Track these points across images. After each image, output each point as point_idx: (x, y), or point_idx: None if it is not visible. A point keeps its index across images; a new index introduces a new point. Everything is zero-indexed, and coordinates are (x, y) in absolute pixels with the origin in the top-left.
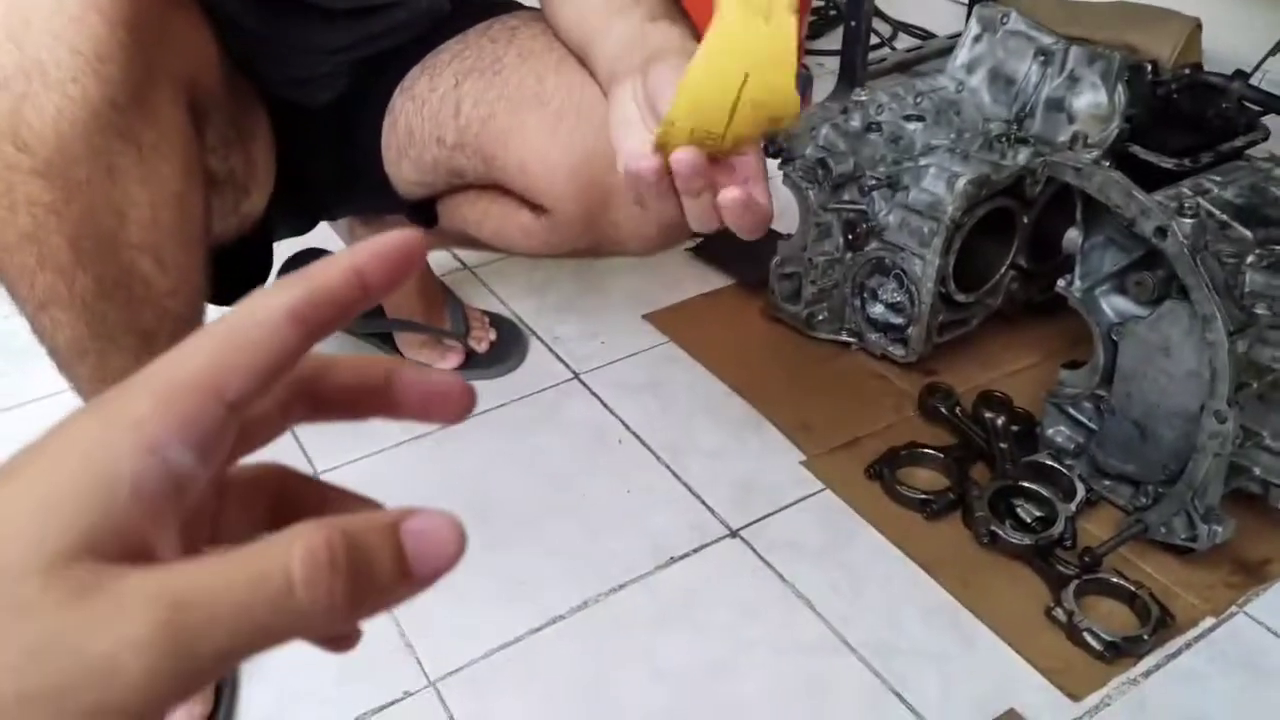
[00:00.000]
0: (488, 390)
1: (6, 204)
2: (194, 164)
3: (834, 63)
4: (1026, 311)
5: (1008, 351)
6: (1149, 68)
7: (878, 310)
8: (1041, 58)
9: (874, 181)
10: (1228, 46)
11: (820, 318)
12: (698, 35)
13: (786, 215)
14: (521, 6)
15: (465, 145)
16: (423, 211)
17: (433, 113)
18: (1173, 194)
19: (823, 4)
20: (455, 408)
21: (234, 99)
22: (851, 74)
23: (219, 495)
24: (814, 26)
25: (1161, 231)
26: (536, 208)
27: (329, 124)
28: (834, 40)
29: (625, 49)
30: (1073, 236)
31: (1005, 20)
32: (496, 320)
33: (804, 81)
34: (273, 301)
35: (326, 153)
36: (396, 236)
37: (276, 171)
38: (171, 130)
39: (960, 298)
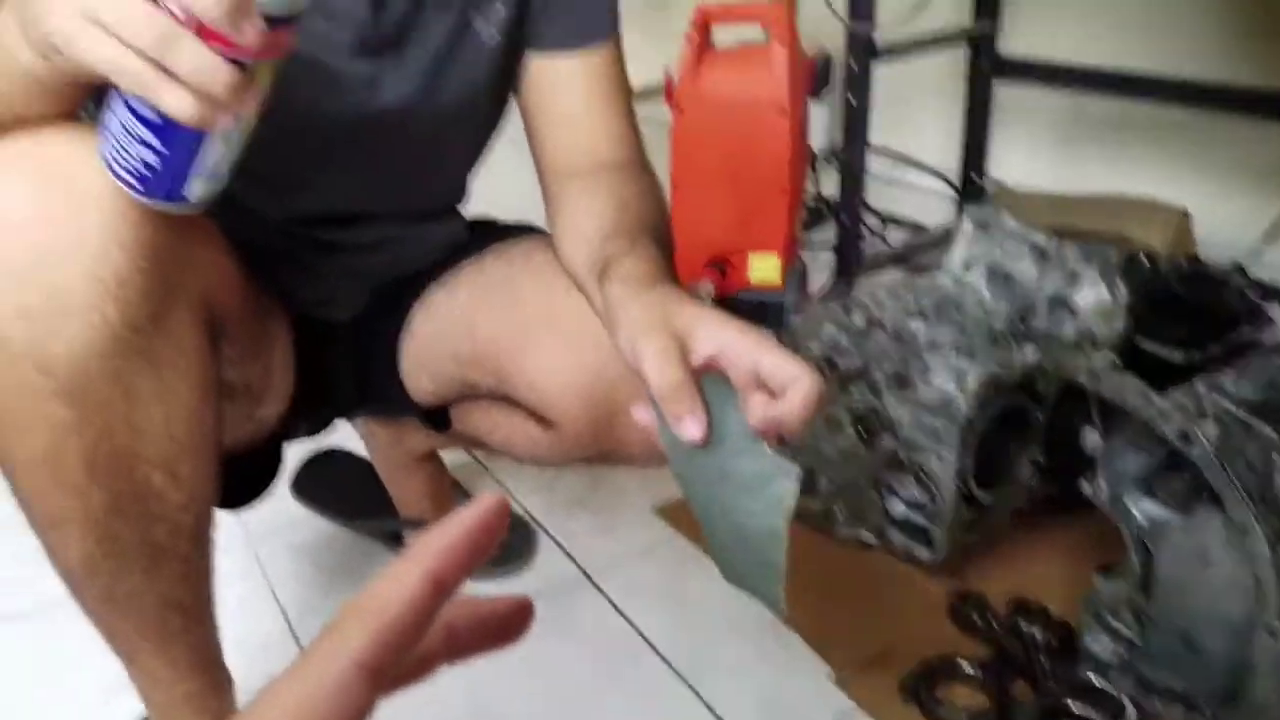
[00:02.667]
0: (493, 592)
1: (26, 424)
2: (209, 379)
3: (830, 253)
4: (1049, 509)
5: (1035, 552)
6: (1145, 259)
7: (899, 509)
8: (1038, 255)
9: (880, 377)
10: (1218, 235)
11: (840, 517)
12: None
13: None
14: (537, 230)
15: (479, 361)
16: (436, 416)
17: (449, 330)
18: (1190, 394)
19: (814, 198)
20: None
21: (253, 314)
22: (848, 267)
23: None
24: (807, 220)
25: (1186, 437)
26: (544, 421)
27: (349, 337)
28: (829, 230)
29: (607, 303)
30: (1093, 439)
31: (998, 219)
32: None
33: (799, 274)
34: (341, 656)
35: (345, 363)
36: (489, 505)
37: (296, 378)
38: (188, 348)
39: (981, 496)
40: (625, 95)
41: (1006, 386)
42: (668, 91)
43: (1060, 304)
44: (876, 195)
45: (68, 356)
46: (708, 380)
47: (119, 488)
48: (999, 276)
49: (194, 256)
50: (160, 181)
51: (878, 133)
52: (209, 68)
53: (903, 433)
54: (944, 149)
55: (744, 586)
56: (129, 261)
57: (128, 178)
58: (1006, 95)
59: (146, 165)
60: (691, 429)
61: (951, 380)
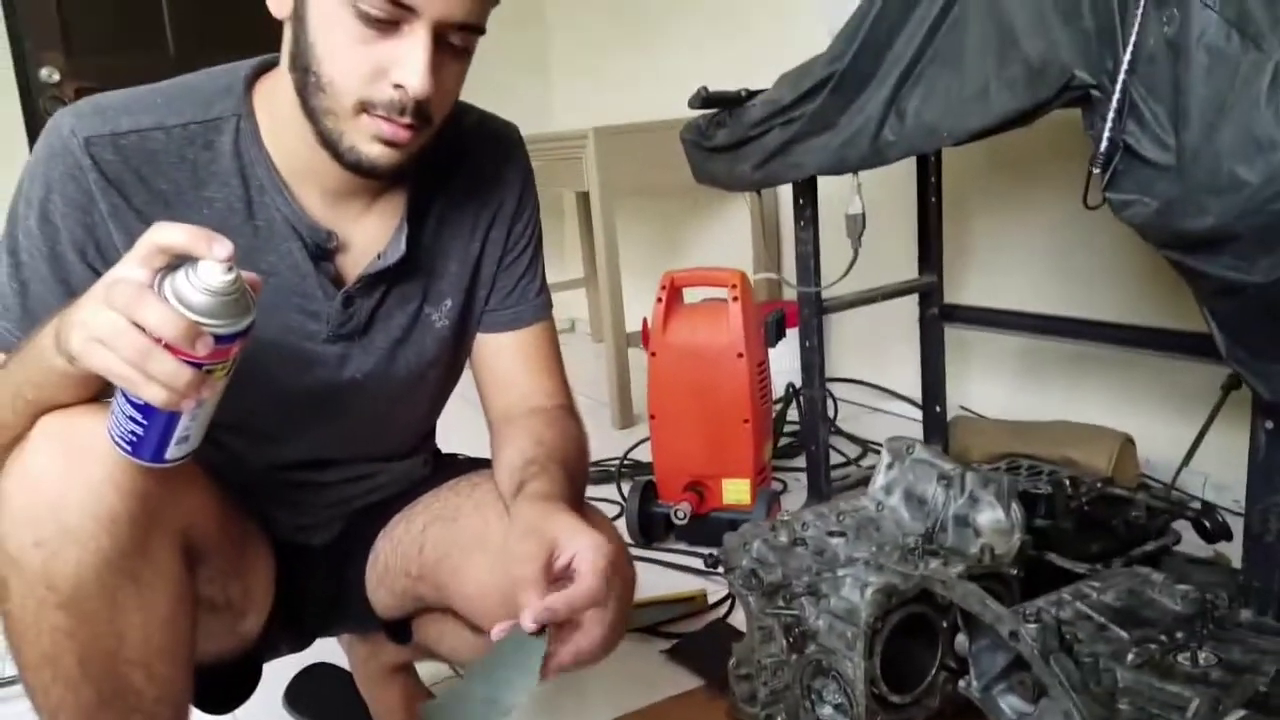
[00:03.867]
0: None
1: (35, 631)
2: (184, 595)
3: (805, 476)
4: (968, 711)
5: None
6: (1067, 483)
7: (826, 712)
8: (944, 481)
9: (799, 589)
10: (1160, 456)
11: None
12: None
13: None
14: (488, 464)
15: (425, 577)
16: (399, 630)
17: (404, 551)
18: (1054, 600)
19: (798, 428)
20: None
21: (234, 540)
22: (818, 491)
23: None
24: (789, 449)
25: (1014, 635)
26: (478, 629)
27: (323, 560)
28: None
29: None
30: (960, 640)
31: (911, 450)
32: None
33: (771, 496)
34: None
35: (320, 583)
36: None
37: (276, 597)
38: (165, 568)
39: (895, 699)
40: (554, 358)
41: (906, 596)
42: (644, 338)
43: (963, 523)
44: (855, 423)
45: (70, 576)
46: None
47: (104, 684)
48: (914, 499)
49: (176, 496)
50: (145, 447)
51: (856, 365)
52: (174, 371)
53: (820, 639)
54: (915, 378)
55: None
56: (121, 504)
57: (123, 444)
58: (964, 332)
59: (135, 435)
60: (525, 617)
61: (857, 591)
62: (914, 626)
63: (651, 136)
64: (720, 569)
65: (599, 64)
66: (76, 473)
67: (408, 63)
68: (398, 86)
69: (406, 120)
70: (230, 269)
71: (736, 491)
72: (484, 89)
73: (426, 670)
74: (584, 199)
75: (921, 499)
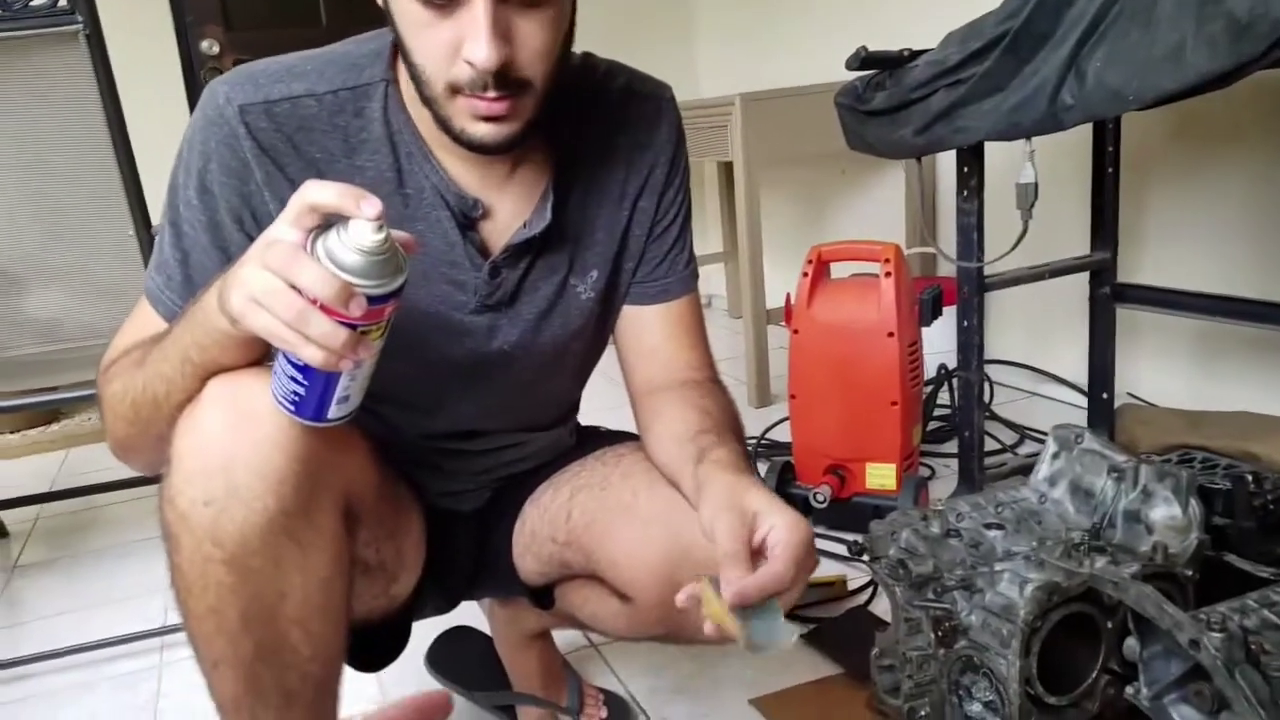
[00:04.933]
0: None
1: (201, 585)
2: (342, 556)
3: (955, 463)
4: (1130, 717)
5: None
6: (1250, 479)
7: (975, 709)
8: (1115, 474)
9: (952, 583)
10: None
11: (922, 713)
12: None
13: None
14: (633, 437)
15: (572, 543)
16: (542, 596)
17: (551, 518)
18: (1236, 606)
19: (949, 413)
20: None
21: (390, 504)
22: (970, 479)
23: None
24: (939, 433)
25: (1195, 644)
26: (624, 597)
27: (472, 525)
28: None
29: (696, 487)
30: (1130, 645)
31: (1080, 439)
32: (610, 698)
33: (919, 482)
34: None
35: (467, 548)
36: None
37: (425, 560)
38: (326, 530)
39: (1051, 700)
40: (700, 331)
41: (1067, 595)
42: (787, 314)
43: (1134, 519)
44: (1013, 408)
45: (236, 534)
46: None
47: (263, 638)
48: (1080, 492)
49: (338, 460)
50: (306, 406)
51: (1016, 347)
52: (331, 332)
53: (973, 634)
54: (1080, 362)
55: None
56: (286, 465)
57: (285, 404)
58: (1136, 314)
59: (296, 395)
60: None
61: (1015, 587)
62: (1075, 625)
63: (800, 102)
64: (865, 557)
65: (746, 27)
66: (244, 433)
67: (470, 36)
68: (469, 63)
69: (493, 94)
70: (380, 228)
71: (881, 476)
72: (624, 54)
73: (562, 639)
74: (725, 169)
75: (1089, 491)
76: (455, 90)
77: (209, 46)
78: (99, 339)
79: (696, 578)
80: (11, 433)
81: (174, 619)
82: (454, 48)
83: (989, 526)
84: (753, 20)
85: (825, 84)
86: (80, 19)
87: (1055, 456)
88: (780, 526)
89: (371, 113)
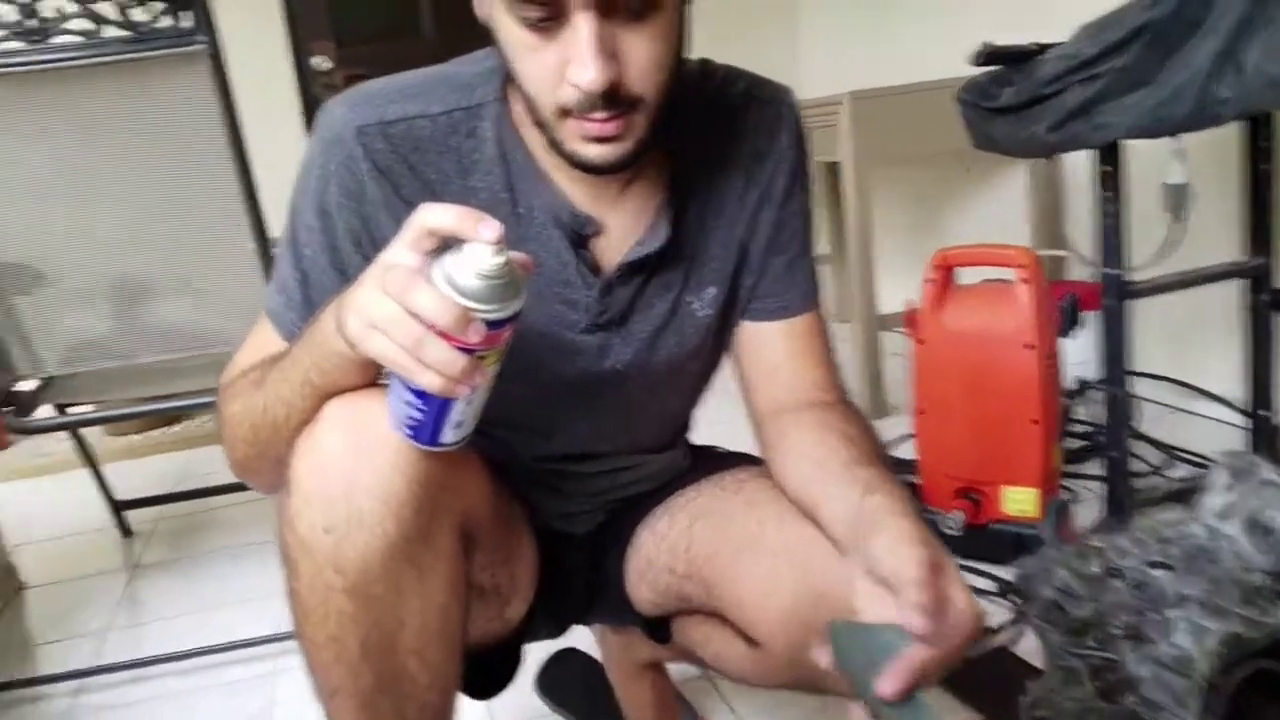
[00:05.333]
0: None
1: (322, 613)
2: (459, 581)
3: (1101, 485)
4: None
5: None
6: None
7: None
8: None
9: (1117, 630)
10: None
11: None
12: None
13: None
14: (753, 460)
15: (692, 576)
16: (658, 627)
17: (669, 546)
18: None
19: (1089, 430)
20: None
21: (504, 527)
22: (1119, 505)
23: None
24: (1077, 453)
25: None
26: (750, 640)
27: (584, 549)
28: (1099, 464)
29: (847, 522)
30: None
31: (1256, 469)
32: None
33: (1062, 507)
34: None
35: (580, 573)
36: None
37: (537, 585)
38: (445, 555)
39: None
40: (826, 348)
41: (1254, 648)
42: (909, 322)
43: None
44: (1158, 425)
45: (358, 560)
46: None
47: (383, 669)
48: (1258, 529)
49: (457, 483)
50: (422, 431)
51: (1160, 360)
52: (449, 359)
53: (1144, 690)
54: (1233, 377)
55: None
56: (407, 489)
57: (403, 429)
58: None
59: (413, 419)
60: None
61: (1191, 638)
62: (1261, 682)
63: (911, 100)
64: (1015, 598)
65: (852, 22)
66: (364, 458)
67: (575, 58)
68: (575, 86)
69: (602, 115)
70: (500, 250)
71: (1019, 501)
72: (724, 53)
73: (675, 668)
74: (830, 169)
75: (1268, 528)
76: (565, 112)
77: (320, 62)
78: (217, 347)
79: (829, 624)
80: (135, 434)
81: (290, 625)
82: (560, 70)
83: (1154, 565)
84: (859, 16)
85: (936, 81)
86: (204, 39)
87: (1228, 487)
88: (957, 601)
89: (484, 133)
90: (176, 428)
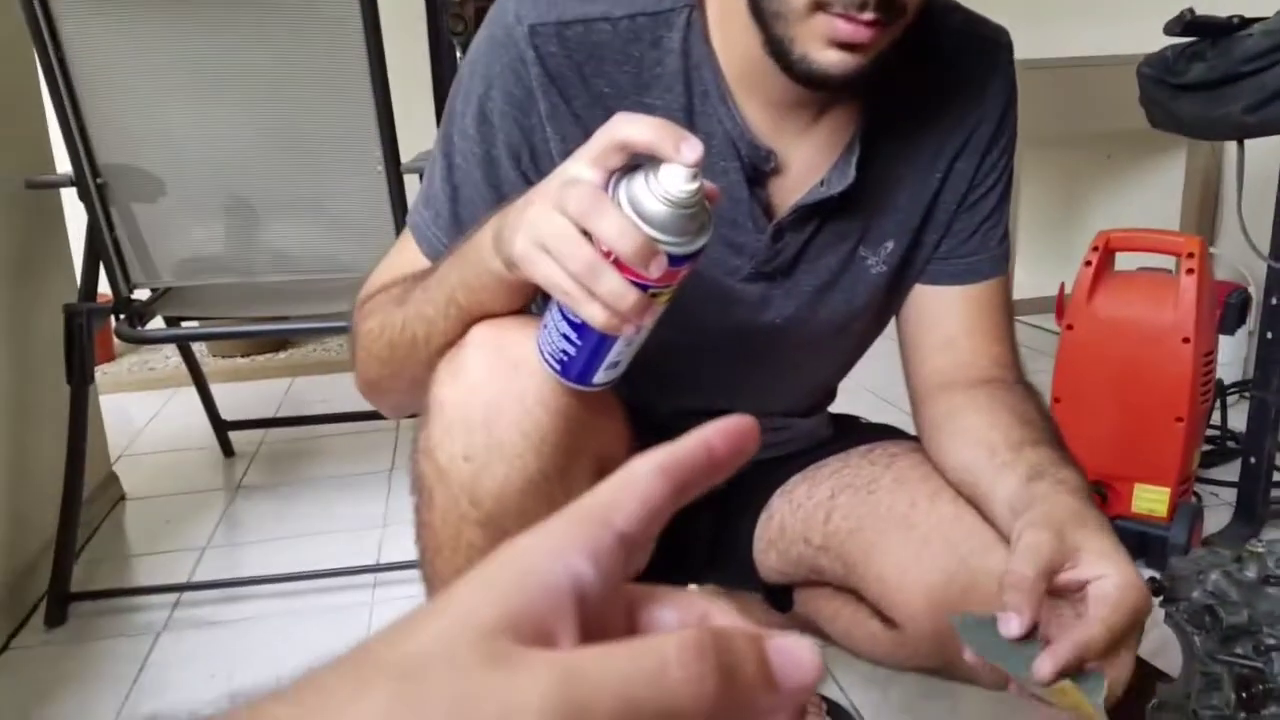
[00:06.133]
0: None
1: (453, 546)
2: None
3: (1230, 492)
4: None
5: None
6: None
7: None
8: None
9: (1273, 641)
10: None
11: None
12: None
13: (1165, 653)
14: (902, 434)
15: (829, 549)
16: (779, 596)
17: (805, 515)
18: None
19: (1218, 433)
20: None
21: None
22: (1250, 512)
23: (603, 616)
24: (1209, 456)
25: None
26: (888, 620)
27: (712, 507)
28: (1230, 470)
29: (1018, 504)
30: None
31: None
32: (833, 708)
33: (1194, 511)
34: (646, 461)
35: (705, 531)
36: (736, 421)
37: (659, 539)
38: (579, 497)
39: None
40: (1008, 321)
41: None
42: (1059, 307)
43: None
44: None
45: (494, 492)
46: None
47: None
48: None
49: (597, 424)
50: (573, 367)
51: None
52: (621, 292)
53: None
54: None
55: None
56: (550, 424)
57: (552, 361)
58: None
59: (565, 354)
60: (1010, 623)
61: None
62: None
63: (1060, 75)
64: (1161, 597)
65: None
66: (510, 387)
67: None
68: None
69: (869, 16)
70: (695, 175)
71: (1150, 500)
72: None
73: None
74: None
75: None
76: (819, 6)
77: None
78: (336, 272)
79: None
80: (242, 356)
81: (388, 556)
82: None
83: None
84: None
85: (1100, 55)
86: None
87: None
88: (1113, 580)
89: (669, 43)
90: (283, 355)
